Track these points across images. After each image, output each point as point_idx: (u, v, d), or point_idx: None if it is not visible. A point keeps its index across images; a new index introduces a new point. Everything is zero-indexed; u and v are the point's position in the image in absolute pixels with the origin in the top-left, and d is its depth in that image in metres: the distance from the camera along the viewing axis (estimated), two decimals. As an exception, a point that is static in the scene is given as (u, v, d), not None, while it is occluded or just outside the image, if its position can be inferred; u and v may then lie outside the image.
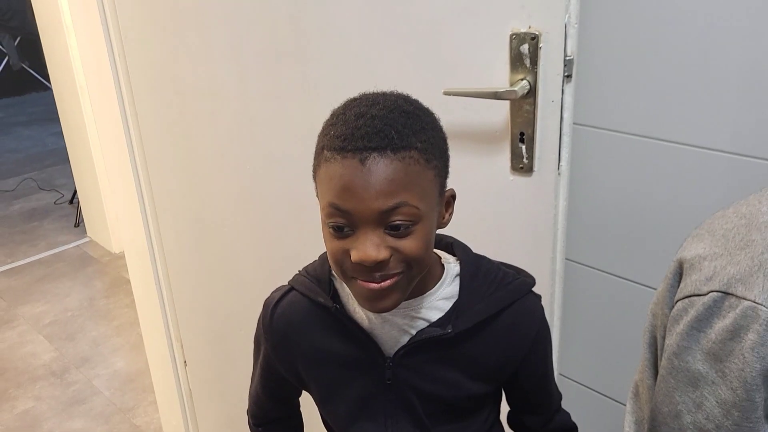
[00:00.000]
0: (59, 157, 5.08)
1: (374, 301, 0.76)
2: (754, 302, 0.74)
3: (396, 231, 0.73)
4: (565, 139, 1.07)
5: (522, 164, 1.10)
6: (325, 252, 0.90)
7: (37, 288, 3.41)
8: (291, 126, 1.38)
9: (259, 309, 0.98)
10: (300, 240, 1.47)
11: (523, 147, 1.09)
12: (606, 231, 1.41)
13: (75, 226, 4.07)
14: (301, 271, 0.93)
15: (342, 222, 0.73)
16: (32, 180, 4.86)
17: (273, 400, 1.01)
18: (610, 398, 1.47)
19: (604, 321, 1.47)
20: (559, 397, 1.00)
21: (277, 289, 0.94)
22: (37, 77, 6.68)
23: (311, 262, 0.93)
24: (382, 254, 0.72)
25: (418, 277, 0.79)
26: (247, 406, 1.07)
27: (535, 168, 1.10)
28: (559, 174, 1.09)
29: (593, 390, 1.49)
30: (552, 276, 1.17)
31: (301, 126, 1.36)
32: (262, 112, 1.41)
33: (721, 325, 0.77)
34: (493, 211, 1.17)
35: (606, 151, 1.33)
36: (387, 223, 0.72)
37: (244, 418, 1.08)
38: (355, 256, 0.73)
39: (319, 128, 0.79)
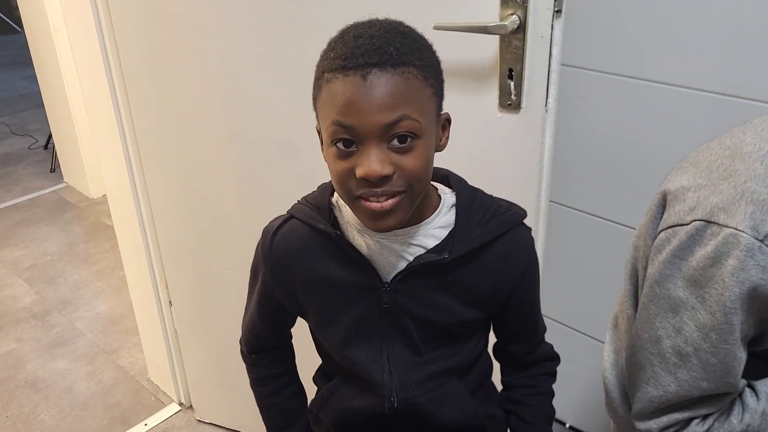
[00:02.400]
0: (32, 101, 4.97)
1: (378, 220, 0.78)
2: (736, 229, 0.77)
3: (399, 146, 0.75)
4: (554, 75, 1.08)
5: (510, 101, 1.11)
6: (323, 183, 0.91)
7: (14, 233, 3.38)
8: (278, 64, 1.37)
9: (246, 248, 0.98)
10: (287, 180, 1.48)
11: (512, 84, 1.10)
12: (590, 173, 1.43)
13: (51, 172, 4.02)
14: (300, 200, 0.94)
15: (347, 138, 0.75)
16: (4, 125, 4.76)
17: (268, 328, 1.03)
18: (592, 337, 1.52)
19: (585, 263, 1.50)
20: (544, 328, 1.04)
21: (277, 218, 0.95)
22: (5, 20, 6.48)
23: (310, 192, 0.95)
24: (386, 169, 0.74)
25: (419, 197, 0.81)
26: (237, 338, 1.08)
27: (523, 105, 1.11)
28: (546, 111, 1.10)
29: (575, 329, 1.53)
30: (537, 213, 1.19)
31: (288, 64, 1.35)
32: (250, 49, 1.40)
33: (702, 252, 0.80)
34: (481, 148, 1.18)
35: (592, 92, 1.34)
36: (390, 138, 0.74)
37: (230, 357, 1.09)
38: (360, 171, 0.75)
39: (307, 66, 0.80)
